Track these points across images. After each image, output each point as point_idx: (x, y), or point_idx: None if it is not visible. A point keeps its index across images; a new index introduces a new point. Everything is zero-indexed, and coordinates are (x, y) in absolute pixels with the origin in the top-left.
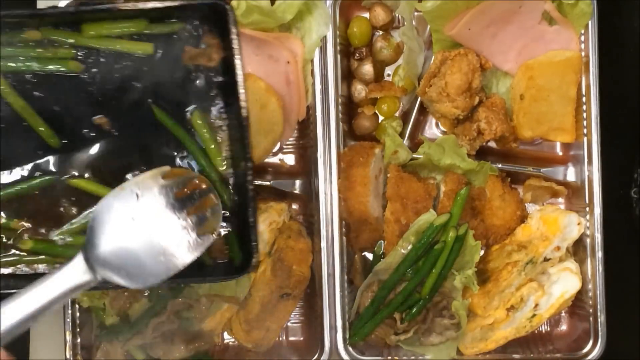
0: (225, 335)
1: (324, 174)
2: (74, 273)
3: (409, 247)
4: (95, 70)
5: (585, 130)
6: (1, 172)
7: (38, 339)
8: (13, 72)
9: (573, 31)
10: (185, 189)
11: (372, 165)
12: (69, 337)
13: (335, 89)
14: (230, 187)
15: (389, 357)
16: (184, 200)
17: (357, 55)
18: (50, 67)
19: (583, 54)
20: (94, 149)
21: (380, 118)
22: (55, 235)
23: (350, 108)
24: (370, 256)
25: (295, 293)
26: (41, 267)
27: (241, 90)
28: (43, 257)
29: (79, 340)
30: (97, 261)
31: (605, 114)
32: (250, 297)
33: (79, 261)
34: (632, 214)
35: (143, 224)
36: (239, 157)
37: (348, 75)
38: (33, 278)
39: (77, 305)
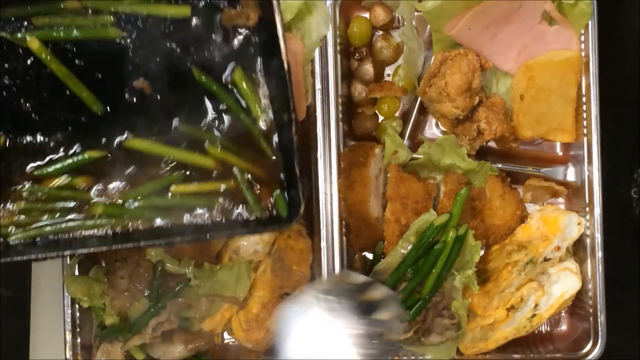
0: (225, 335)
1: (324, 174)
2: None
3: (409, 247)
4: (134, 35)
5: (585, 130)
6: (51, 140)
7: (38, 339)
8: (54, 41)
9: (573, 31)
10: (369, 296)
11: (372, 165)
12: (69, 337)
13: (335, 89)
14: (273, 140)
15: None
16: (368, 307)
17: (357, 55)
18: (91, 34)
19: (583, 54)
20: (137, 113)
21: (380, 118)
22: (123, 199)
23: (350, 108)
24: (370, 256)
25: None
26: (114, 229)
27: (282, 45)
28: (113, 220)
29: (79, 340)
30: None
31: (605, 114)
32: (250, 297)
33: None
34: (632, 214)
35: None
36: (282, 111)
37: (348, 75)
38: (106, 239)
39: (77, 305)
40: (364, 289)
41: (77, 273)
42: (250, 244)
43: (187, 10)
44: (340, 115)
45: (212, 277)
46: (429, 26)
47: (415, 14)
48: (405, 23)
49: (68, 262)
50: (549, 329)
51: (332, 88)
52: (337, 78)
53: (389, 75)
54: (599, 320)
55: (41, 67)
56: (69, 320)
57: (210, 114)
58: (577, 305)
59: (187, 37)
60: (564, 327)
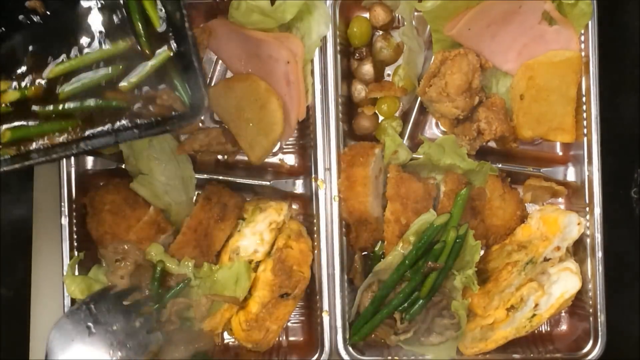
0: (225, 335)
1: (324, 174)
2: None
3: (409, 247)
4: None
5: (585, 130)
6: None
7: (38, 339)
8: None
9: (573, 31)
10: (134, 299)
11: (372, 165)
12: None
13: (335, 89)
14: (170, 38)
15: (389, 357)
16: (134, 307)
17: (357, 55)
18: None
19: (583, 54)
20: (32, 34)
21: (380, 118)
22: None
23: (350, 108)
24: (370, 256)
25: (295, 293)
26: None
27: None
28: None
29: None
30: None
31: (605, 114)
32: (250, 297)
33: None
34: (632, 214)
35: (100, 337)
36: (173, 10)
37: (348, 75)
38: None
39: None
40: (127, 293)
41: (77, 273)
42: (251, 244)
43: None
44: (340, 115)
45: (212, 277)
46: (429, 26)
47: (415, 14)
48: (405, 23)
49: (68, 262)
50: (549, 329)
51: (332, 88)
52: (337, 78)
53: (389, 75)
54: (599, 320)
55: None
56: None
57: (103, 22)
58: (577, 305)
59: None
60: (564, 327)
